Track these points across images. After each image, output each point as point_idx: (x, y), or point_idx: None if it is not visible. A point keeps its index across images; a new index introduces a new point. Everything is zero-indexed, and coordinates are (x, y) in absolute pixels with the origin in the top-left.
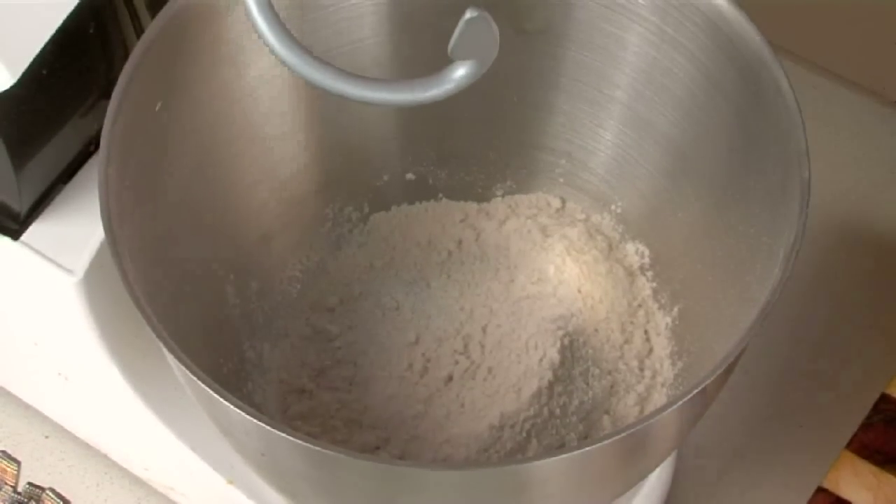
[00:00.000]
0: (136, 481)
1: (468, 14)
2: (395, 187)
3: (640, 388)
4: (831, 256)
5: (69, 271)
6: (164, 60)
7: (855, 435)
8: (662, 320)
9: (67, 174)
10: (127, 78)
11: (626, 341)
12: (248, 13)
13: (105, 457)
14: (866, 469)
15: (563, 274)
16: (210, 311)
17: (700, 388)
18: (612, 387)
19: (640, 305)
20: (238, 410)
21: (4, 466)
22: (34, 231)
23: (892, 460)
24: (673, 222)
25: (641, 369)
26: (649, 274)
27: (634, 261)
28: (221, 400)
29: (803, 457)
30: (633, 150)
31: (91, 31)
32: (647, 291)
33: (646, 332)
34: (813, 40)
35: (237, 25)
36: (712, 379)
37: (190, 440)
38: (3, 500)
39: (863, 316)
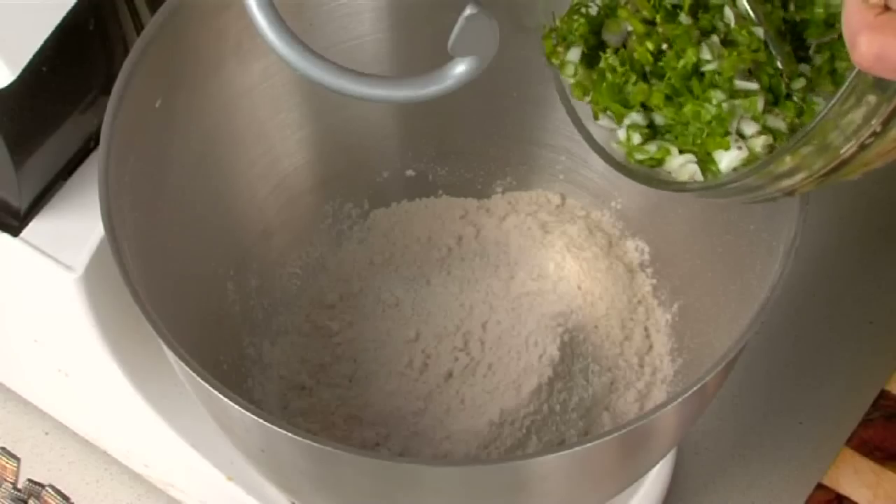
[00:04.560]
0: (136, 478)
1: (468, 11)
2: (395, 184)
3: (640, 384)
4: (830, 253)
5: (69, 268)
6: (164, 57)
7: (855, 432)
8: (662, 317)
9: (67, 171)
10: (127, 74)
11: (626, 338)
12: (247, 10)
13: (105, 453)
14: (866, 466)
15: (563, 270)
16: (210, 308)
17: (700, 385)
18: (611, 383)
19: (639, 302)
20: (238, 407)
21: (4, 463)
22: (34, 228)
23: (891, 457)
24: (673, 219)
25: (641, 366)
26: (649, 270)
27: (634, 257)
28: (221, 396)
29: (803, 453)
30: None
31: (91, 27)
32: (647, 288)
33: (646, 328)
34: None
35: (237, 22)
36: (712, 376)
37: (190, 437)
38: (4, 497)
39: (862, 312)
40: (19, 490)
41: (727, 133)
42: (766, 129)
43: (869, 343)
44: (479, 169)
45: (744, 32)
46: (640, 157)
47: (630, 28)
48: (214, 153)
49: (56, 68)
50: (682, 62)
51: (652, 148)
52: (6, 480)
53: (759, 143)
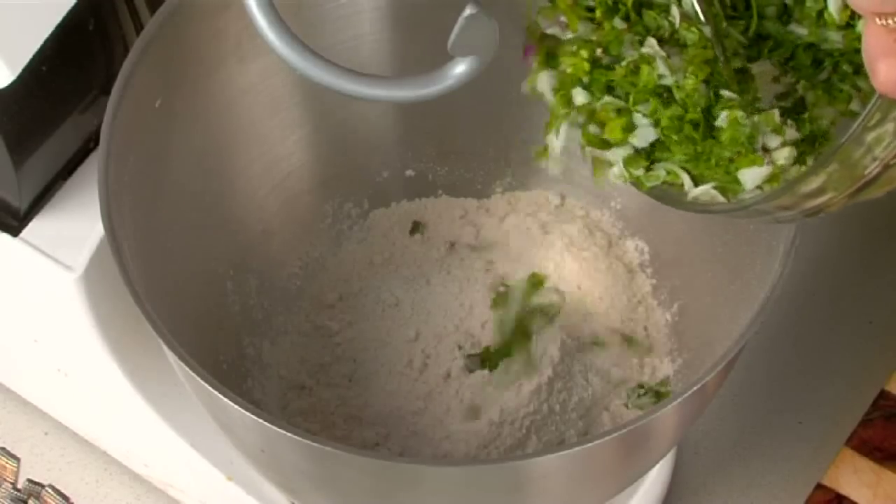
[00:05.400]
0: (136, 478)
1: (468, 10)
2: (395, 183)
3: None
4: (830, 252)
5: (69, 268)
6: (163, 57)
7: (854, 431)
8: (662, 317)
9: (67, 170)
10: (127, 74)
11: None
12: (247, 10)
13: (104, 453)
14: (866, 466)
15: (563, 270)
16: (210, 308)
17: (699, 385)
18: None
19: (639, 302)
20: (238, 407)
21: (4, 463)
22: (34, 228)
23: (891, 457)
24: (673, 219)
25: (641, 366)
26: (649, 270)
27: (634, 257)
28: (221, 396)
29: (803, 453)
30: None
31: (91, 27)
32: (647, 288)
33: (645, 328)
34: None
35: (237, 22)
36: (712, 376)
37: (189, 437)
38: (3, 497)
39: (862, 312)
40: (19, 490)
41: (755, 150)
42: (787, 142)
43: (869, 343)
44: (479, 169)
45: (693, 29)
46: (650, 183)
47: (563, 19)
48: (214, 153)
49: (56, 68)
50: (641, 82)
51: (661, 173)
52: (6, 480)
53: (784, 154)
